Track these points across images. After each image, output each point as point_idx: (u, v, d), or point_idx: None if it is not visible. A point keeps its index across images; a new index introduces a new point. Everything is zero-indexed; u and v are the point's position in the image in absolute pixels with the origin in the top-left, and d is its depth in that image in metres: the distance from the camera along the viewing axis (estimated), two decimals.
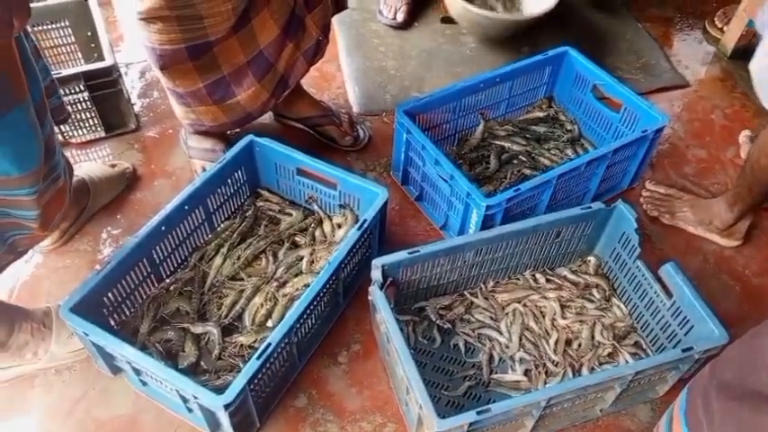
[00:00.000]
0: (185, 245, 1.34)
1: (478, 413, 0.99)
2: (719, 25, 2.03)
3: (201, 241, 1.38)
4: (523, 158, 1.58)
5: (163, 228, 1.25)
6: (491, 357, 1.27)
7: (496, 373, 1.25)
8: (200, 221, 1.36)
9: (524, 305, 1.34)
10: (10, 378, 1.23)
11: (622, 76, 1.79)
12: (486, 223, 1.31)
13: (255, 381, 1.06)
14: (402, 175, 1.56)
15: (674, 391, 1.20)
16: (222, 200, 1.40)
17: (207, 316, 1.27)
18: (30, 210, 0.99)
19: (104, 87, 1.58)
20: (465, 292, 1.36)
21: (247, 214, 1.43)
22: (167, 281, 1.30)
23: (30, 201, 0.97)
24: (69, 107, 1.55)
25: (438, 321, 1.31)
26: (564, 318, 1.31)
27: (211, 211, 1.38)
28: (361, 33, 2.03)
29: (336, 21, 2.03)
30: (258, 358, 1.04)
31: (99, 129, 1.66)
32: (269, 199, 1.47)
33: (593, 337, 1.29)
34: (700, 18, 2.14)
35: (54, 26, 1.71)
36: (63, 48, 1.75)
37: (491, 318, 1.32)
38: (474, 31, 1.97)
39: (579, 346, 1.28)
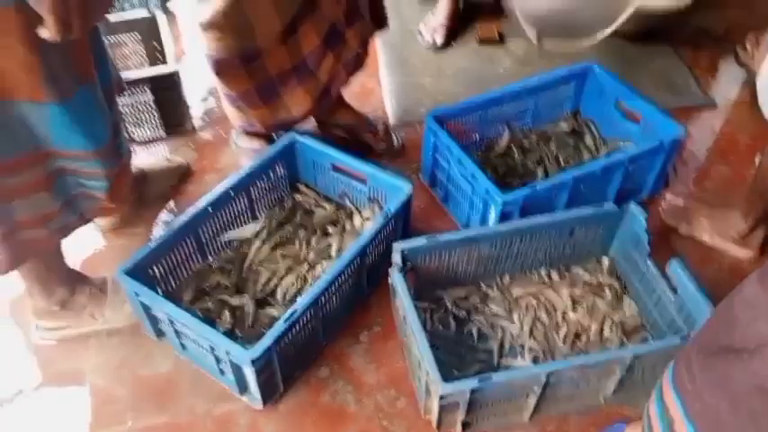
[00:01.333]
0: (229, 228, 1.48)
1: (480, 381, 1.08)
2: (749, 49, 2.08)
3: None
4: (548, 162, 1.68)
5: (209, 209, 1.40)
6: (502, 344, 1.35)
7: (506, 358, 1.33)
8: (242, 208, 1.50)
9: (537, 299, 1.41)
10: (71, 336, 1.38)
11: (649, 94, 1.85)
12: (504, 220, 1.41)
13: (281, 343, 1.17)
14: (430, 177, 1.68)
15: None
16: (264, 191, 1.54)
17: (243, 290, 1.40)
18: (101, 180, 1.14)
19: (166, 91, 1.77)
20: (481, 285, 1.45)
21: (286, 205, 1.57)
22: (211, 258, 1.45)
23: (102, 172, 1.13)
24: (135, 108, 1.75)
25: (454, 309, 1.40)
26: (574, 312, 1.38)
27: (253, 199, 1.52)
28: (402, 52, 2.17)
29: (380, 40, 2.19)
30: (285, 321, 1.16)
31: (159, 129, 1.84)
32: (306, 193, 1.61)
33: (601, 332, 1.35)
34: (731, 42, 2.19)
35: (127, 36, 1.93)
36: (133, 56, 1.97)
37: (505, 309, 1.40)
38: None
39: (587, 339, 1.35)
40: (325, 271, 1.40)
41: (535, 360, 1.31)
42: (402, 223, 1.46)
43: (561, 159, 1.70)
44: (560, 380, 1.15)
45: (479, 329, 1.38)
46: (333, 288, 1.27)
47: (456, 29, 2.22)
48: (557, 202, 1.48)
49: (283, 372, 1.25)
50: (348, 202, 1.58)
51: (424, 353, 1.12)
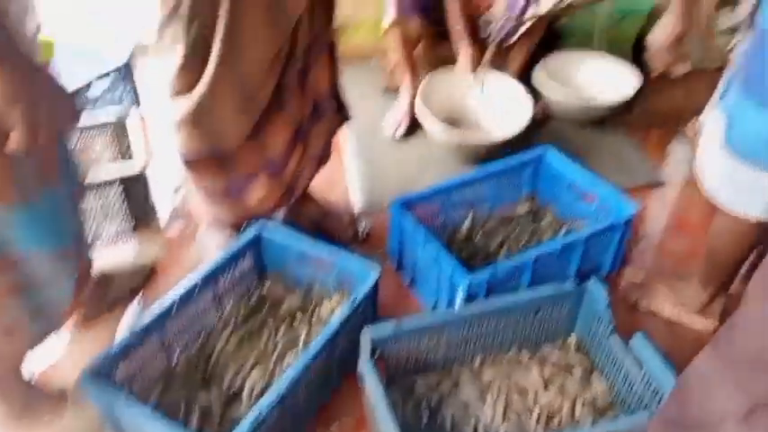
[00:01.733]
0: (195, 323, 1.47)
1: None
2: (693, 132, 2.22)
3: (210, 320, 1.51)
4: (510, 244, 1.73)
5: (174, 307, 1.39)
6: (476, 431, 1.33)
7: None
8: (209, 302, 1.49)
9: (509, 380, 1.41)
10: None
11: (603, 175, 1.95)
12: (471, 301, 1.42)
13: None
14: (397, 261, 1.70)
15: None
16: (231, 283, 1.54)
17: (211, 386, 1.37)
18: (65, 283, 1.14)
19: (134, 189, 1.80)
20: (452, 369, 1.44)
21: (253, 296, 1.57)
22: (177, 353, 1.42)
23: (64, 274, 1.13)
24: (102, 206, 1.76)
25: (426, 397, 1.38)
26: (546, 391, 1.38)
27: (221, 293, 1.51)
28: (366, 140, 2.26)
29: (345, 129, 2.27)
30: (249, 423, 1.13)
31: (126, 226, 1.85)
32: (274, 282, 1.61)
33: (573, 412, 1.35)
34: (678, 123, 2.33)
35: (98, 135, 1.98)
36: (104, 154, 2.00)
37: (477, 394, 1.39)
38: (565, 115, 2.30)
39: (560, 421, 1.34)
40: (293, 363, 1.39)
41: None
42: (371, 308, 1.47)
43: (522, 241, 1.75)
44: None
45: (453, 417, 1.36)
46: (300, 383, 1.25)
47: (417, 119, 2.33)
48: (520, 282, 1.51)
49: None
50: (316, 289, 1.58)
51: None
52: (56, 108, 0.90)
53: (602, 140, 2.27)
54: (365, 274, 1.43)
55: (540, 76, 2.30)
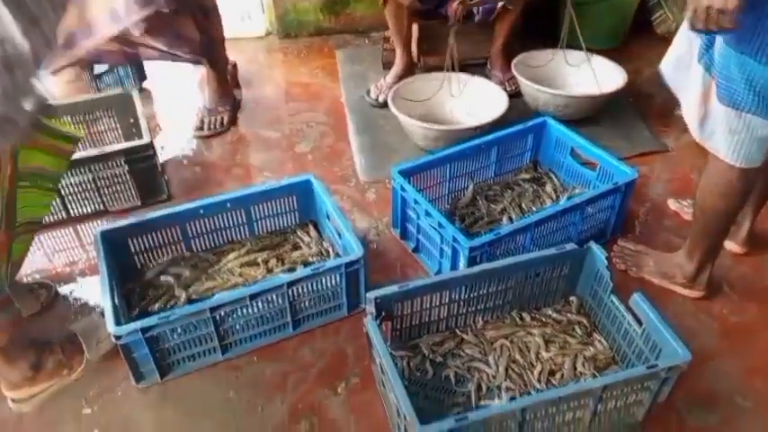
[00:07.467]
0: (220, 234, 1.67)
1: (456, 420, 1.09)
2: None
3: (238, 237, 1.69)
4: (512, 207, 1.76)
5: (201, 211, 1.59)
6: (479, 386, 1.37)
7: (484, 400, 1.35)
8: (239, 222, 1.66)
9: (511, 341, 1.44)
10: (49, 395, 1.37)
11: (605, 144, 1.96)
12: (473, 265, 1.45)
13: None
14: (401, 230, 1.73)
15: (653, 416, 1.28)
16: (265, 214, 1.68)
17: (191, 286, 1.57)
18: None
19: (141, 162, 1.83)
20: (456, 330, 1.48)
21: (278, 234, 1.71)
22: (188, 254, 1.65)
23: None
24: (111, 180, 1.80)
25: (430, 355, 1.42)
26: (547, 351, 1.41)
27: (254, 219, 1.67)
28: (368, 115, 2.28)
29: (347, 105, 2.31)
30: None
31: (135, 199, 1.88)
32: (307, 232, 1.72)
33: (575, 369, 1.38)
34: None
35: (102, 114, 2.00)
36: (109, 132, 2.03)
37: (480, 352, 1.43)
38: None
39: (562, 376, 1.38)
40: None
41: (512, 400, 1.33)
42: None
43: (524, 206, 1.77)
44: (536, 415, 1.17)
45: (456, 373, 1.40)
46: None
47: None
48: (523, 247, 1.54)
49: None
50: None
51: (400, 397, 1.13)
52: None
53: (604, 109, 2.27)
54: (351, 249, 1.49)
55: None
